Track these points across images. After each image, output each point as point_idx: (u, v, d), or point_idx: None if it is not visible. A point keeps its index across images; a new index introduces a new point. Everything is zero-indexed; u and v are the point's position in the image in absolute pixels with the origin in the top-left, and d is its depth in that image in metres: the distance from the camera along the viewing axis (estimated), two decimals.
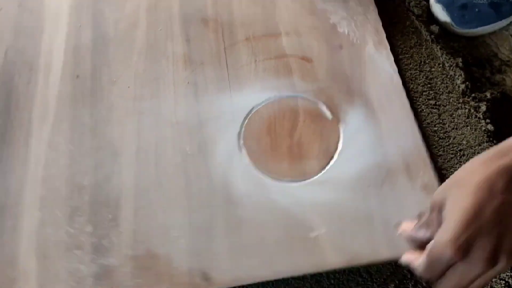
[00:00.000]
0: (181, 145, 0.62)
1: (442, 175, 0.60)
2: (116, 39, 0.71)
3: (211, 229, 0.56)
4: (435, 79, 0.68)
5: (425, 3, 0.76)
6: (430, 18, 0.75)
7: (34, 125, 0.65)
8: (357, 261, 0.54)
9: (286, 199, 0.58)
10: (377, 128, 0.62)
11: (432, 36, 0.71)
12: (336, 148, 0.61)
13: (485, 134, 0.63)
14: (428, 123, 0.64)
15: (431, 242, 0.41)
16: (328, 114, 0.63)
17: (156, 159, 0.61)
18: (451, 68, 0.68)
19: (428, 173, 0.58)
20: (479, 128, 0.63)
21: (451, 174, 0.43)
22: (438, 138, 0.63)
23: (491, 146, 0.61)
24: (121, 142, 0.63)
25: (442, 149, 0.62)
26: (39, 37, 0.72)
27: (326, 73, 0.66)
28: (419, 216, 0.46)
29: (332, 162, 0.60)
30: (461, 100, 0.65)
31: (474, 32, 0.73)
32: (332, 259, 0.54)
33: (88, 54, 0.70)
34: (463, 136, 0.63)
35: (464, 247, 0.38)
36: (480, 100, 0.66)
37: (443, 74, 0.68)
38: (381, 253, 0.54)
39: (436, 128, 0.64)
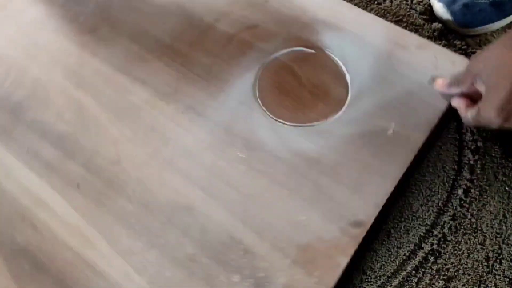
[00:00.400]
0: None
1: None
2: None
3: None
4: None
5: (427, 1, 0.75)
6: (433, 15, 0.74)
7: None
8: None
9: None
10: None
11: (435, 33, 0.71)
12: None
13: (489, 133, 0.62)
14: None
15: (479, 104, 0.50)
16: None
17: None
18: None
19: None
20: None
21: None
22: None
23: (494, 144, 0.62)
24: None
25: None
26: None
27: None
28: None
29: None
30: None
31: (476, 31, 0.73)
32: None
33: None
34: None
35: (506, 116, 0.48)
36: None
37: None
38: None
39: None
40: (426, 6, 0.74)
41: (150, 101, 0.67)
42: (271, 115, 0.64)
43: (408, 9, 0.74)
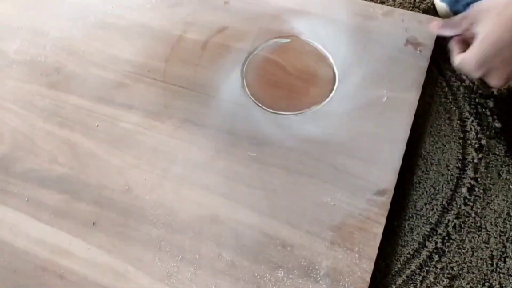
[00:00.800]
0: None
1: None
2: None
3: None
4: (441, 76, 0.68)
5: None
6: (436, 14, 0.74)
7: None
8: None
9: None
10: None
11: None
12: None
13: (493, 131, 0.63)
14: (436, 118, 0.64)
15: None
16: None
17: None
18: None
19: None
20: (487, 125, 0.63)
21: None
22: (444, 133, 0.63)
23: (498, 143, 0.62)
24: None
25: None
26: None
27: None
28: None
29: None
30: (467, 96, 0.65)
31: None
32: None
33: None
34: None
35: (485, 72, 0.52)
36: (487, 97, 0.65)
37: (449, 70, 0.68)
38: None
39: (441, 123, 0.64)
40: (429, 4, 0.75)
41: (143, 124, 0.65)
42: (268, 109, 0.65)
43: (411, 8, 0.74)
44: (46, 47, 0.73)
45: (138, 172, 0.62)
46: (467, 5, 0.70)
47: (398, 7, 0.73)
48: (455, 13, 0.71)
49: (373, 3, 0.73)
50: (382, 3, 0.75)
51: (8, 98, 0.70)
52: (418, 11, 0.73)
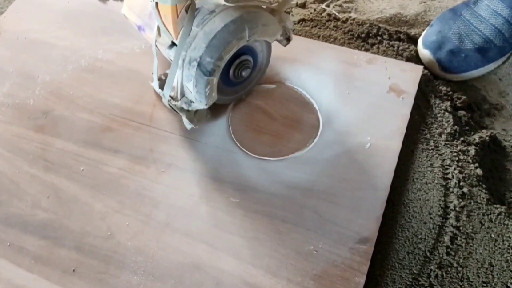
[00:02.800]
0: None
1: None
2: None
3: None
4: (423, 123, 0.69)
5: (414, 47, 0.77)
6: (419, 61, 0.76)
7: None
8: None
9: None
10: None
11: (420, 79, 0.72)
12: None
13: (475, 178, 0.63)
14: (418, 165, 0.65)
15: None
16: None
17: None
18: (440, 111, 0.69)
19: None
20: (468, 172, 0.64)
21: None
22: (426, 181, 0.64)
23: (480, 191, 0.62)
24: None
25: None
26: None
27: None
28: None
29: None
30: (449, 144, 0.66)
31: (462, 76, 0.74)
32: None
33: None
34: None
35: None
36: (469, 144, 0.66)
37: (431, 117, 0.69)
38: None
39: (424, 170, 0.64)
40: (412, 52, 0.76)
41: (128, 168, 0.65)
42: (253, 154, 0.65)
43: (394, 55, 0.76)
44: (35, 91, 0.74)
45: (120, 218, 0.62)
46: (450, 52, 0.73)
47: (382, 55, 0.75)
48: (438, 60, 0.74)
49: (357, 51, 0.75)
50: (366, 50, 0.77)
51: None
52: (401, 59, 0.75)
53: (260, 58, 0.67)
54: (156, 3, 0.57)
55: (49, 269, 0.59)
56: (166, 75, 0.66)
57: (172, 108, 0.64)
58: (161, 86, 0.65)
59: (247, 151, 0.65)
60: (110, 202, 0.63)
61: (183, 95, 0.62)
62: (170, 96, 0.62)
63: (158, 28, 0.61)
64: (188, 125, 0.64)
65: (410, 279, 0.57)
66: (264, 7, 0.62)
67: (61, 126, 0.70)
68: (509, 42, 0.72)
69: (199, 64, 0.57)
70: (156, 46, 0.63)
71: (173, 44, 0.60)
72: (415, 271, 0.57)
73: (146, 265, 0.58)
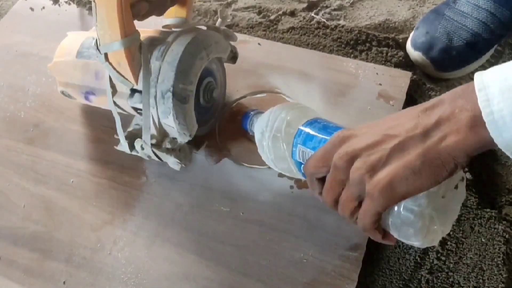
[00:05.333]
0: None
1: None
2: None
3: None
4: None
5: (402, 53, 0.77)
6: (408, 67, 0.76)
7: None
8: None
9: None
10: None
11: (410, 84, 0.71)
12: None
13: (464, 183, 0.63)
14: None
15: None
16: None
17: None
18: None
19: None
20: None
21: None
22: None
23: (470, 195, 0.62)
24: None
25: None
26: None
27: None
28: None
29: None
30: None
31: (454, 74, 0.75)
32: None
33: None
34: None
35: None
36: None
37: None
38: None
39: None
40: (400, 58, 0.76)
41: (118, 179, 0.65)
42: (242, 163, 0.65)
43: (383, 62, 0.76)
44: (26, 103, 0.74)
45: (110, 229, 0.62)
46: (442, 51, 0.73)
47: (371, 62, 0.75)
48: (432, 60, 0.74)
49: (346, 58, 0.75)
50: (355, 57, 0.77)
51: None
52: (390, 65, 0.75)
53: (218, 78, 0.68)
54: (106, 54, 0.56)
55: (39, 282, 0.59)
56: (135, 128, 0.63)
57: (157, 156, 0.61)
58: (131, 143, 0.62)
59: (236, 160, 0.66)
60: (100, 213, 0.63)
61: (165, 135, 0.60)
62: (152, 144, 0.60)
63: (112, 83, 0.59)
64: (177, 165, 0.61)
65: (401, 285, 0.57)
66: (205, 28, 0.63)
67: (52, 138, 0.71)
68: (495, 34, 0.73)
69: (173, 94, 0.56)
70: (114, 102, 0.61)
71: (134, 91, 0.58)
72: (405, 277, 0.57)
73: (136, 276, 0.58)
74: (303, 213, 0.60)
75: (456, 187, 0.45)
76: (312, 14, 0.85)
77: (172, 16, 0.64)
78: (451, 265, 0.57)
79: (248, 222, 0.60)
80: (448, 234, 0.59)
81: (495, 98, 0.36)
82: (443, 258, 0.58)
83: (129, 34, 0.55)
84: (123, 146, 0.62)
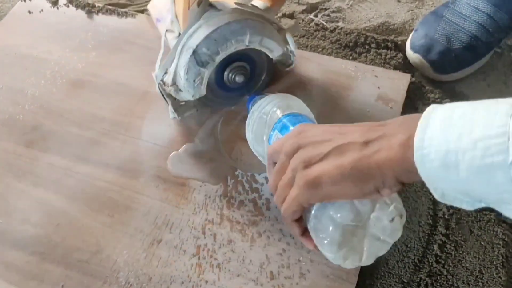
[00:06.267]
0: None
1: None
2: None
3: None
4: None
5: (401, 55, 0.77)
6: (406, 69, 0.76)
7: None
8: None
9: None
10: None
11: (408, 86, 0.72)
12: None
13: None
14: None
15: None
16: None
17: None
18: None
19: None
20: None
21: None
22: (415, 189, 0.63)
23: None
24: None
25: None
26: None
27: None
28: None
29: None
30: None
31: (453, 76, 0.75)
32: None
33: None
34: None
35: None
36: None
37: None
38: None
39: None
40: (399, 60, 0.76)
41: (118, 182, 0.65)
42: (243, 166, 0.65)
43: (382, 64, 0.76)
44: (25, 106, 0.74)
45: (109, 232, 0.61)
46: (441, 53, 0.73)
47: (370, 64, 0.76)
48: (431, 62, 0.74)
49: (345, 60, 0.75)
50: (354, 59, 0.77)
51: None
52: (389, 67, 0.76)
53: (259, 71, 0.68)
54: None
55: (38, 285, 0.59)
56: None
57: (161, 93, 0.64)
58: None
59: (237, 163, 0.65)
60: (99, 216, 0.63)
61: (174, 82, 0.62)
62: (162, 81, 0.63)
63: (172, 20, 0.65)
64: (171, 114, 0.66)
65: None
66: (272, 24, 0.64)
67: (51, 140, 0.71)
68: (494, 37, 0.73)
69: (194, 52, 0.59)
70: (166, 36, 0.66)
71: (179, 34, 0.63)
72: (404, 280, 0.57)
73: (135, 280, 0.58)
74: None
75: (392, 220, 0.44)
76: (311, 16, 0.85)
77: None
78: (450, 268, 0.57)
79: (248, 226, 0.60)
80: (447, 237, 0.59)
81: (431, 128, 0.36)
82: (442, 261, 0.58)
83: None
84: (157, 73, 0.64)
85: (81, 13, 0.86)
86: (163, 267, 0.58)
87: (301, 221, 0.48)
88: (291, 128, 0.53)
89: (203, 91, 0.62)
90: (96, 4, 0.86)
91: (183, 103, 0.67)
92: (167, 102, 0.66)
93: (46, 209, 0.64)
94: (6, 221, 0.64)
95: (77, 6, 0.87)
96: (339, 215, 0.43)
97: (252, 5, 0.64)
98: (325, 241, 0.44)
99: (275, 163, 0.50)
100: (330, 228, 0.44)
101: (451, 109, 0.36)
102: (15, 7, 0.88)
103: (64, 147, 0.70)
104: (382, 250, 0.46)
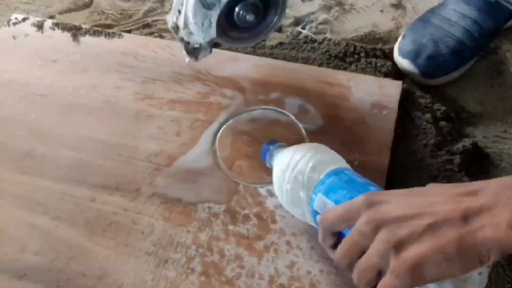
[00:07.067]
0: None
1: None
2: None
3: None
4: (407, 136, 0.70)
5: (390, 63, 0.79)
6: (397, 77, 0.77)
7: None
8: None
9: None
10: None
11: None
12: None
13: None
14: (406, 178, 0.65)
15: None
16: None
17: None
18: (422, 124, 0.70)
19: None
20: (456, 181, 0.64)
21: None
22: None
23: None
24: None
25: None
26: None
27: None
28: None
29: None
30: (435, 155, 0.67)
31: (440, 80, 0.77)
32: None
33: None
34: None
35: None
36: (453, 154, 0.67)
37: (415, 130, 0.70)
38: None
39: (412, 183, 0.64)
40: (389, 68, 0.78)
41: (118, 203, 0.64)
42: (243, 180, 0.65)
43: (373, 72, 0.77)
44: (17, 132, 0.73)
45: (114, 255, 0.60)
46: (429, 58, 0.75)
47: (361, 73, 0.77)
48: (418, 67, 0.76)
49: (336, 70, 0.77)
50: (345, 69, 0.78)
51: None
52: (380, 75, 0.77)
53: (270, 9, 0.67)
54: None
55: None
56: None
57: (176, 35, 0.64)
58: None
59: (236, 177, 0.65)
60: (101, 240, 0.62)
61: (186, 25, 0.62)
62: (176, 24, 0.63)
63: None
64: (186, 57, 0.65)
65: None
66: None
67: (46, 165, 0.69)
68: (479, 42, 0.76)
69: None
70: None
71: None
72: None
73: None
74: (308, 227, 0.60)
75: (480, 273, 0.42)
76: (299, 29, 0.86)
77: None
78: None
79: (254, 240, 0.60)
80: None
81: None
82: None
83: None
84: (170, 16, 0.64)
85: (68, 36, 0.85)
86: (172, 287, 0.58)
87: None
88: (341, 190, 0.50)
89: (213, 33, 0.62)
90: (83, 26, 0.86)
91: (197, 45, 0.66)
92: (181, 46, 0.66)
93: (45, 236, 0.63)
94: (4, 251, 0.62)
95: (63, 29, 0.86)
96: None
97: None
98: None
99: (333, 233, 0.48)
100: None
101: None
102: None
103: (59, 171, 0.68)
104: None
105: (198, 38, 0.63)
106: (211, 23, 0.61)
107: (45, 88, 0.78)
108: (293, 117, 0.70)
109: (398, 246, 0.39)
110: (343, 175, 0.52)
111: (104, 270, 0.59)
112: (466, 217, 0.38)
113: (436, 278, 0.39)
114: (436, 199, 0.41)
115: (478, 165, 0.68)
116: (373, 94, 0.72)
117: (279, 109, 0.71)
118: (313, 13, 0.90)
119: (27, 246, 0.62)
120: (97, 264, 0.60)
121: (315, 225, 0.54)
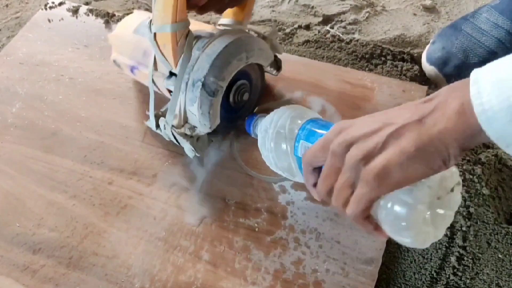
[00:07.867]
0: None
1: None
2: None
3: None
4: None
5: (417, 67, 0.78)
6: (423, 81, 0.76)
7: None
8: None
9: None
10: None
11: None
12: None
13: (481, 198, 0.62)
14: None
15: None
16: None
17: None
18: None
19: None
20: (475, 191, 0.63)
21: None
22: None
23: (487, 210, 0.62)
24: None
25: None
26: None
27: None
28: None
29: None
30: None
31: None
32: None
33: None
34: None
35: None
36: (475, 163, 0.66)
37: None
38: None
39: None
40: (415, 72, 0.77)
41: (134, 188, 0.66)
42: (258, 174, 0.65)
43: (398, 76, 0.76)
44: (44, 112, 0.75)
45: (125, 237, 0.62)
46: (457, 67, 0.73)
47: (386, 75, 0.76)
48: (446, 76, 0.74)
49: (361, 71, 0.76)
50: (371, 71, 0.77)
51: (5, 160, 0.71)
52: (405, 79, 0.76)
53: (254, 83, 0.69)
54: (155, 34, 0.59)
55: None
56: (166, 110, 0.65)
57: (175, 137, 0.63)
58: (158, 122, 0.65)
59: (252, 171, 0.66)
60: (115, 221, 0.63)
61: (186, 121, 0.62)
62: (173, 125, 0.62)
63: (155, 62, 0.62)
64: (190, 153, 0.64)
65: None
66: (256, 34, 0.65)
67: (69, 146, 0.71)
68: (510, 53, 0.72)
69: (203, 85, 0.58)
70: (153, 81, 0.64)
71: (172, 74, 0.61)
72: None
73: (150, 286, 0.58)
74: (317, 226, 0.60)
75: (452, 190, 0.44)
76: (327, 28, 0.86)
77: (229, 17, 0.66)
78: (468, 281, 0.57)
79: (262, 234, 0.60)
80: (465, 250, 0.59)
81: (485, 90, 0.37)
82: (460, 274, 0.57)
83: (180, 21, 0.57)
84: (151, 122, 0.65)
85: (100, 22, 0.87)
86: (179, 273, 0.58)
87: (371, 216, 0.46)
88: (319, 131, 0.53)
89: (218, 120, 0.62)
90: (116, 13, 0.88)
91: (202, 133, 0.65)
92: (179, 143, 0.64)
93: (62, 214, 0.65)
94: (23, 224, 0.64)
95: (96, 15, 0.88)
96: (410, 196, 0.42)
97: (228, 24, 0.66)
98: (403, 226, 0.43)
99: (315, 169, 0.50)
100: (405, 212, 0.42)
101: (495, 68, 0.38)
102: (35, 15, 0.90)
103: (81, 152, 0.70)
104: (449, 220, 0.46)
105: (204, 128, 0.62)
106: (215, 110, 0.61)
107: (75, 71, 0.80)
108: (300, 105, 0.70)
109: (366, 158, 0.42)
110: (319, 121, 0.56)
111: (115, 251, 0.61)
112: (422, 119, 0.40)
113: (403, 181, 0.41)
114: (396, 113, 0.43)
115: (499, 178, 0.66)
116: (396, 97, 0.71)
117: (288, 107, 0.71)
118: (343, 12, 0.89)
119: (45, 221, 0.64)
120: (109, 245, 0.61)
121: (301, 175, 0.55)
